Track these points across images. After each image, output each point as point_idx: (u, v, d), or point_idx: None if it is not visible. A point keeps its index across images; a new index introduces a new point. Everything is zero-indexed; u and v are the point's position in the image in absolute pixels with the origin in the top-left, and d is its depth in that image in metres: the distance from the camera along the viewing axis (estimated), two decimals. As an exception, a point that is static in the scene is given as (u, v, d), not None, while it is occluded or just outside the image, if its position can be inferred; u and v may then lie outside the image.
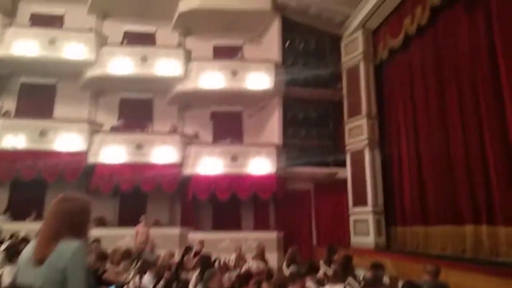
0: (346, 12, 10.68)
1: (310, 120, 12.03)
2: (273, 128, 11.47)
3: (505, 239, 6.27)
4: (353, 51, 10.89)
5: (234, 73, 11.16)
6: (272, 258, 9.15)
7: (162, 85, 11.36)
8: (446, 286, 3.13)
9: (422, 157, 8.66)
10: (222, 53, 12.19)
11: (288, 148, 11.22)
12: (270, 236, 10.33)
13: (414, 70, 9.05)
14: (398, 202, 9.47)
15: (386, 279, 4.47)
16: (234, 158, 10.66)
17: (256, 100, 11.71)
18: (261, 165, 10.64)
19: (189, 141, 11.12)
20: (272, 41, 11.87)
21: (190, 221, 10.86)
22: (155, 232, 9.40)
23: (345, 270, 4.56)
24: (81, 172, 10.22)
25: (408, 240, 8.93)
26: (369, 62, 10.57)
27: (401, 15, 9.15)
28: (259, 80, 11.14)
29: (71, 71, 11.17)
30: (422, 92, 8.71)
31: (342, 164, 11.16)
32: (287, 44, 11.93)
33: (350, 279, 4.47)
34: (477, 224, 6.89)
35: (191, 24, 12.09)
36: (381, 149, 10.23)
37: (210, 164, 10.60)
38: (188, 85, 11.19)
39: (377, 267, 4.78)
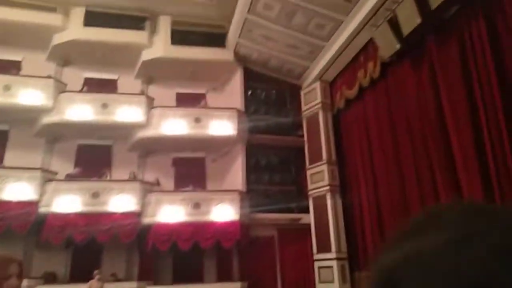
0: (305, 65, 11.29)
1: (272, 166, 12.18)
2: (237, 174, 11.46)
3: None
4: (312, 101, 11.40)
5: (197, 120, 11.24)
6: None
7: (123, 131, 11.17)
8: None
9: (381, 202, 8.91)
10: (185, 101, 12.32)
11: (252, 194, 11.18)
12: (234, 287, 9.95)
13: (369, 119, 9.56)
14: (361, 247, 9.55)
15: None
16: (196, 206, 10.43)
17: (219, 146, 11.77)
18: (224, 212, 10.47)
19: (149, 188, 10.81)
20: (234, 90, 12.22)
21: (148, 274, 10.27)
22: (110, 287, 8.77)
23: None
24: (31, 223, 9.51)
25: (372, 286, 8.90)
26: (327, 111, 11.07)
27: (355, 69, 9.81)
28: (222, 127, 11.28)
29: (26, 117, 10.74)
30: (378, 140, 9.15)
31: (306, 209, 11.25)
32: (250, 93, 12.31)
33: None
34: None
35: (154, 72, 12.23)
36: (342, 194, 10.45)
37: (172, 212, 10.29)
38: (150, 132, 11.08)
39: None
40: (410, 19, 7.09)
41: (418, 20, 6.93)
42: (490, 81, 6.09)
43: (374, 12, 8.11)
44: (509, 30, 5.85)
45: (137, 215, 10.13)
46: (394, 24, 7.56)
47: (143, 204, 10.30)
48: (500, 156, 5.83)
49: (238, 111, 11.50)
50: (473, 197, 6.19)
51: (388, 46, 7.93)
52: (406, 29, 7.27)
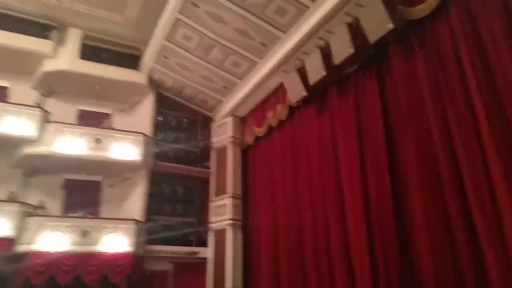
0: (218, 98, 11.45)
1: (176, 196, 11.81)
2: (136, 202, 10.80)
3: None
4: (223, 134, 11.52)
5: (97, 141, 10.44)
6: None
7: (7, 145, 9.83)
8: None
9: (278, 242, 9.09)
10: (88, 119, 11.45)
11: (150, 225, 10.59)
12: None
13: (275, 158, 9.90)
14: (256, 283, 9.57)
15: None
16: (85, 234, 9.44)
17: (119, 170, 11.04)
18: (116, 243, 9.67)
19: (31, 211, 9.55)
20: (144, 113, 11.74)
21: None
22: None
23: None
24: None
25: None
26: (236, 145, 11.25)
27: (265, 109, 10.22)
28: (126, 150, 10.64)
29: None
30: (281, 180, 9.47)
31: (205, 243, 11.02)
32: (160, 119, 11.96)
33: None
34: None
35: (56, 85, 11.18)
36: (244, 230, 10.49)
37: (54, 239, 9.16)
38: (39, 148, 9.90)
39: None
40: (316, 71, 7.70)
41: (323, 73, 7.56)
42: (377, 134, 6.80)
43: (286, 59, 8.65)
44: (394, 87, 6.68)
45: (10, 241, 8.81)
46: (302, 72, 8.13)
47: (20, 229, 9.02)
48: (382, 204, 6.42)
49: (145, 136, 11.03)
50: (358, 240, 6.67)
51: (295, 91, 8.46)
52: (312, 79, 7.86)
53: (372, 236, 6.44)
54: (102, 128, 11.22)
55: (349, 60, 7.18)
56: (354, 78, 7.63)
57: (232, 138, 11.20)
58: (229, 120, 11.38)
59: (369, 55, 7.11)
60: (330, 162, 7.81)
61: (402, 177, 6.33)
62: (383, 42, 6.60)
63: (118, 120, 11.95)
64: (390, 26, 6.19)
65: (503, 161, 4.74)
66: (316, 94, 8.35)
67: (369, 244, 6.43)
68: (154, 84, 11.71)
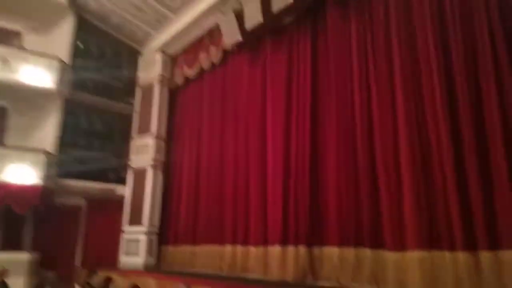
0: (148, 32, 10.69)
1: (94, 130, 11.15)
2: (47, 132, 10.00)
3: (254, 257, 7.29)
4: (151, 71, 10.91)
5: (4, 61, 9.23)
6: (18, 285, 7.71)
7: None
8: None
9: (200, 181, 9.27)
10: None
11: (63, 157, 9.96)
12: (21, 258, 8.65)
13: (204, 102, 9.77)
14: (174, 223, 9.75)
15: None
16: (-16, 162, 8.61)
17: (30, 96, 9.98)
18: (23, 173, 8.98)
19: None
20: (61, 37, 10.52)
21: None
22: None
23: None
24: None
25: (177, 259, 9.24)
26: (164, 85, 10.78)
27: (198, 50, 9.83)
28: (37, 75, 9.59)
29: None
30: (208, 124, 9.46)
31: (123, 181, 10.77)
32: (79, 45, 10.85)
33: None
34: (234, 244, 7.79)
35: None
36: (165, 171, 10.40)
37: None
38: None
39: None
40: (253, 16, 7.51)
41: (260, 19, 7.41)
42: (306, 88, 7.02)
43: (225, -2, 8.27)
44: (326, 45, 6.84)
45: None
46: (239, 16, 7.87)
47: None
48: (300, 156, 6.81)
49: (61, 61, 9.98)
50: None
51: (231, 35, 8.22)
52: (249, 24, 7.67)
53: (287, 182, 6.88)
54: (11, 46, 9.88)
55: (287, 10, 7.12)
56: (289, 30, 7.64)
57: (160, 77, 10.68)
58: (158, 56, 10.76)
59: (307, 10, 7.14)
60: (257, 111, 7.96)
61: (322, 131, 6.72)
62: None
63: (30, 40, 10.57)
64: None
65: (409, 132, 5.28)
66: (251, 41, 8.23)
67: (284, 188, 6.90)
68: (75, 4, 10.44)
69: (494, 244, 4.34)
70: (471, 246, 4.50)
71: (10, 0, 9.95)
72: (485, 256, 4.36)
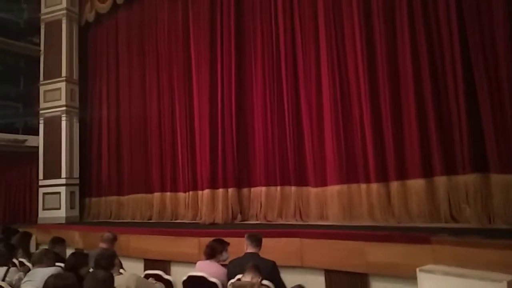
0: (49, -44, 9.21)
1: (-7, 74, 9.76)
2: None
3: (183, 202, 7.31)
4: (55, 4, 9.55)
5: None
6: None
7: None
8: (114, 254, 3.23)
9: (121, 128, 8.78)
10: None
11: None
12: None
13: (120, 38, 8.97)
14: (95, 173, 9.25)
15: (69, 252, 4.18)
16: None
17: None
18: None
19: None
20: None
21: None
22: None
23: (11, 249, 3.94)
24: None
25: (102, 211, 8.94)
26: (73, 21, 9.57)
27: (110, -20, 8.78)
28: None
29: None
30: (126, 61, 8.80)
31: (34, 131, 9.76)
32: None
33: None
34: (163, 192, 7.69)
35: None
36: (81, 117, 9.61)
37: None
38: None
39: (55, 242, 4.44)
40: None
41: None
42: (230, 24, 6.74)
43: None
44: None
45: None
46: None
47: None
48: (227, 100, 6.68)
49: None
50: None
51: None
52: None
53: (215, 127, 6.80)
54: None
55: None
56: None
57: (67, 11, 9.43)
58: (63, -13, 9.43)
59: None
60: (180, 49, 7.61)
61: (248, 72, 6.65)
62: None
63: None
64: None
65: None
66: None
67: (211, 133, 6.83)
68: None
69: (402, 175, 4.80)
70: (383, 178, 4.94)
71: None
72: (394, 185, 4.83)
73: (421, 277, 2.94)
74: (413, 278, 3.07)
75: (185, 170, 7.31)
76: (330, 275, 4.15)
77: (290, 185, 5.97)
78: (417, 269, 3.02)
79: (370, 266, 3.85)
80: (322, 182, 5.57)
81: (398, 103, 4.95)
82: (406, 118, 4.88)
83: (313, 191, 5.68)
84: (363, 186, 5.12)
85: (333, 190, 5.39)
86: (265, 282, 2.86)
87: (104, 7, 8.95)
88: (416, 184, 4.66)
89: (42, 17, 9.78)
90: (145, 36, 8.41)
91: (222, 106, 6.75)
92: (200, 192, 6.96)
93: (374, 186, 4.99)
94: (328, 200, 5.44)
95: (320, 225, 5.22)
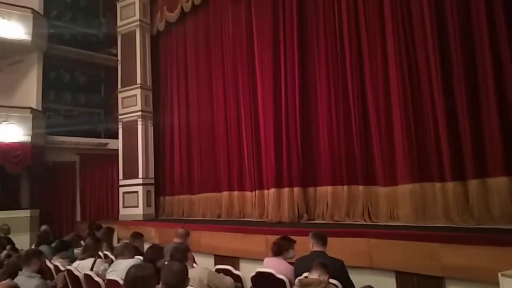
0: (124, -26, 9.97)
1: (78, 84, 10.85)
2: (30, 89, 9.68)
3: (250, 201, 7.46)
4: (130, 17, 10.33)
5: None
6: (24, 240, 7.93)
7: None
8: (187, 248, 3.41)
9: (191, 131, 9.20)
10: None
11: (50, 114, 9.77)
12: (22, 215, 8.81)
13: (188, 45, 9.43)
14: (169, 173, 9.81)
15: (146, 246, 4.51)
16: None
17: (7, 52, 9.52)
18: (11, 132, 8.84)
19: None
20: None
21: None
22: None
23: (97, 243, 4.35)
24: None
25: (175, 209, 9.44)
26: (145, 31, 10.28)
27: (178, -10, 9.28)
28: (11, 27, 9.07)
29: None
30: (194, 66, 9.21)
31: (114, 135, 10.65)
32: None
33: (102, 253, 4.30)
34: (231, 191, 7.92)
35: None
36: (155, 121, 10.27)
37: None
38: None
39: (135, 237, 4.79)
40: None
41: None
42: (292, 25, 6.74)
43: None
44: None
45: None
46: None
47: None
48: (291, 98, 6.68)
49: (34, 12, 9.40)
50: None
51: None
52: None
53: (280, 126, 6.84)
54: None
55: None
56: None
57: (140, 22, 10.14)
58: (137, 0, 10.14)
59: None
60: (244, 51, 7.77)
61: (311, 70, 6.58)
62: None
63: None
64: None
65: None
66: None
67: (275, 133, 6.87)
68: None
69: (482, 173, 4.43)
70: (460, 176, 4.60)
71: None
72: (473, 183, 4.47)
73: (504, 282, 2.69)
74: (494, 284, 2.83)
75: (251, 170, 7.45)
76: (402, 277, 3.98)
77: (358, 184, 5.79)
78: (499, 274, 2.77)
79: (446, 269, 3.62)
80: (392, 181, 5.33)
81: (476, 96, 4.56)
82: (486, 112, 4.47)
83: (382, 190, 5.46)
84: (438, 185, 4.80)
85: (404, 189, 5.13)
86: (332, 280, 2.83)
87: (173, 16, 9.47)
88: (498, 182, 4.26)
89: (119, 29, 10.62)
90: (211, 39, 8.72)
91: (286, 106, 6.76)
92: (266, 192, 7.04)
93: (450, 184, 4.65)
94: (399, 200, 5.19)
95: (390, 225, 5.00)
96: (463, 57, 4.64)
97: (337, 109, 6.08)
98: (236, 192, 7.82)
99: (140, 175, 9.84)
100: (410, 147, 5.10)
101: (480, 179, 4.44)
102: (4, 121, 8.79)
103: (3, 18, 9.04)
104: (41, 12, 9.71)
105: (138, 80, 10.10)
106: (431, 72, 4.93)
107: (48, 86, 9.93)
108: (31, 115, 9.09)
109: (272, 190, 6.79)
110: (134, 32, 10.22)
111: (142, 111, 10.00)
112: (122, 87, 10.43)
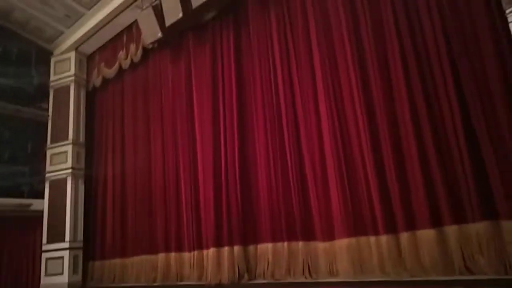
0: (59, 29, 9.79)
1: (2, 140, 9.98)
2: None
3: (188, 263, 7.06)
4: (64, 72, 10.03)
5: None
6: None
7: None
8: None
9: (126, 190, 8.75)
10: None
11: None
12: None
13: (126, 103, 9.24)
14: (100, 236, 9.08)
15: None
16: None
17: None
18: None
19: None
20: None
21: None
22: None
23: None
24: None
25: (105, 274, 8.64)
26: (80, 86, 9.99)
27: (116, 48, 9.26)
28: None
29: None
30: (131, 126, 8.96)
31: (39, 194, 9.77)
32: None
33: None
34: (167, 252, 7.46)
35: None
36: (87, 179, 9.65)
37: None
38: None
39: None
40: (173, 11, 7.22)
41: (180, 15, 7.15)
42: (231, 87, 6.94)
43: (141, -7, 7.87)
44: (248, 40, 6.85)
45: None
46: (158, 11, 7.52)
47: None
48: (230, 156, 6.71)
49: (-45, 64, 8.78)
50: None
51: (151, 32, 7.82)
52: (168, 20, 7.36)
53: (219, 183, 6.73)
54: None
55: (206, 6, 6.96)
56: (211, 26, 7.49)
57: (75, 78, 9.86)
58: (72, 55, 9.92)
59: (228, 6, 7.09)
60: (184, 110, 7.75)
61: (250, 127, 6.71)
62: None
63: None
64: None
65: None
66: (173, 37, 7.94)
67: (215, 189, 6.75)
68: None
69: (411, 225, 4.63)
70: (392, 229, 4.76)
71: None
72: (404, 236, 4.64)
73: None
74: None
75: (189, 227, 7.15)
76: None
77: (297, 240, 5.75)
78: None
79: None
80: (329, 236, 5.37)
81: (400, 150, 4.90)
82: (409, 165, 4.79)
83: (321, 245, 5.46)
84: (372, 238, 4.91)
85: (341, 244, 5.18)
86: None
87: (110, 72, 9.36)
88: (426, 234, 4.47)
89: (51, 83, 10.21)
90: (149, 96, 8.65)
91: (226, 162, 6.73)
92: (205, 251, 6.73)
93: (384, 238, 4.79)
94: (337, 255, 5.21)
95: (330, 281, 4.96)
96: (388, 119, 5.02)
97: (275, 163, 6.16)
98: (173, 253, 7.37)
99: (67, 238, 8.99)
100: (345, 202, 5.25)
101: (411, 232, 4.62)
102: None
103: None
104: (-37, 63, 9.07)
105: (70, 136, 9.60)
106: (360, 129, 5.25)
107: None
108: None
109: (212, 250, 6.51)
110: (68, 87, 9.88)
111: (72, 168, 9.40)
112: (51, 143, 9.81)
